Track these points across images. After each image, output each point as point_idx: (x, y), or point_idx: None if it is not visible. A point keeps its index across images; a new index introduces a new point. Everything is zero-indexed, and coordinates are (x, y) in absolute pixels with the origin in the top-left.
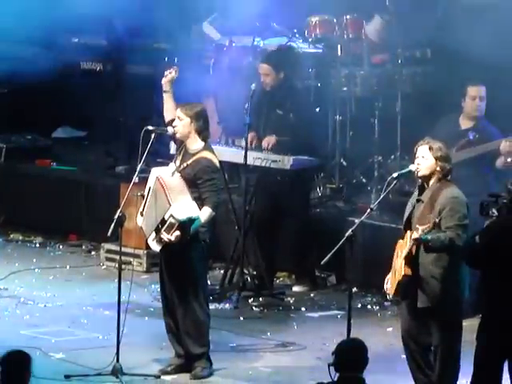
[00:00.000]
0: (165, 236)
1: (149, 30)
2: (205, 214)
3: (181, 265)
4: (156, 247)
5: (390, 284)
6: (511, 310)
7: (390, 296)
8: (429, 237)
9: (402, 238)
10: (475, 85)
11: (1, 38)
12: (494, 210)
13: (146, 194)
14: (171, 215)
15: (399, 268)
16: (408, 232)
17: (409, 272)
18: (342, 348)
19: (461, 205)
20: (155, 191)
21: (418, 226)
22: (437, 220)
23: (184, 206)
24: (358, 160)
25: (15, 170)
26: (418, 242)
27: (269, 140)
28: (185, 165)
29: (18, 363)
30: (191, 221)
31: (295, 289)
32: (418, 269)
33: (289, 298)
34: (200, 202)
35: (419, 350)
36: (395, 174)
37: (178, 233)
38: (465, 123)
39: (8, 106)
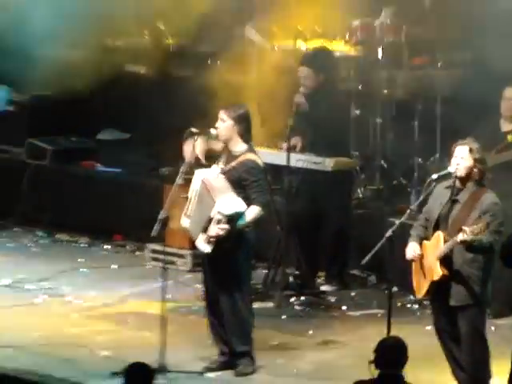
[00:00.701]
0: (213, 230)
1: (192, 32)
2: (253, 212)
3: (226, 264)
4: (206, 248)
5: (418, 284)
6: None
7: (420, 297)
8: (475, 238)
9: (427, 239)
10: (511, 86)
11: (46, 42)
12: None
13: (190, 195)
14: (218, 211)
15: (435, 268)
16: (438, 232)
17: (446, 272)
18: (383, 346)
19: (500, 212)
20: (201, 193)
21: (464, 227)
22: (487, 223)
23: (229, 202)
24: (398, 162)
25: (61, 171)
26: (467, 243)
27: (296, 141)
28: (229, 167)
29: (141, 376)
30: (238, 215)
31: (323, 288)
32: (451, 269)
33: (330, 297)
34: (247, 202)
35: (456, 347)
36: (435, 176)
37: (225, 226)
38: (505, 126)
39: (53, 109)
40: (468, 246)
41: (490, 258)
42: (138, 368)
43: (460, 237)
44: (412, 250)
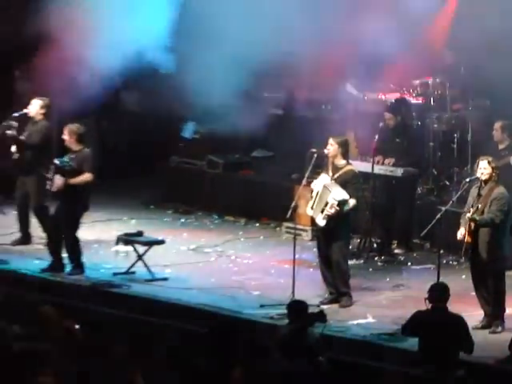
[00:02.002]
0: (328, 211)
1: (314, 85)
2: (352, 202)
3: (334, 234)
4: (322, 223)
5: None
6: None
7: (463, 257)
8: (477, 217)
9: None
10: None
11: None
12: None
13: (313, 194)
14: (332, 197)
15: (466, 237)
16: (467, 215)
17: (470, 240)
18: (434, 288)
19: (503, 198)
20: (321, 193)
21: (469, 210)
22: (479, 207)
23: (339, 193)
24: (443, 170)
25: (229, 177)
26: (471, 221)
27: (389, 160)
28: (337, 175)
29: (299, 309)
30: (344, 201)
31: (395, 251)
32: (477, 237)
33: (400, 257)
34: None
35: (483, 289)
36: (467, 179)
37: (337, 208)
38: (500, 146)
39: (224, 138)
40: (474, 222)
41: (499, 228)
42: (296, 303)
43: (468, 215)
44: (460, 233)
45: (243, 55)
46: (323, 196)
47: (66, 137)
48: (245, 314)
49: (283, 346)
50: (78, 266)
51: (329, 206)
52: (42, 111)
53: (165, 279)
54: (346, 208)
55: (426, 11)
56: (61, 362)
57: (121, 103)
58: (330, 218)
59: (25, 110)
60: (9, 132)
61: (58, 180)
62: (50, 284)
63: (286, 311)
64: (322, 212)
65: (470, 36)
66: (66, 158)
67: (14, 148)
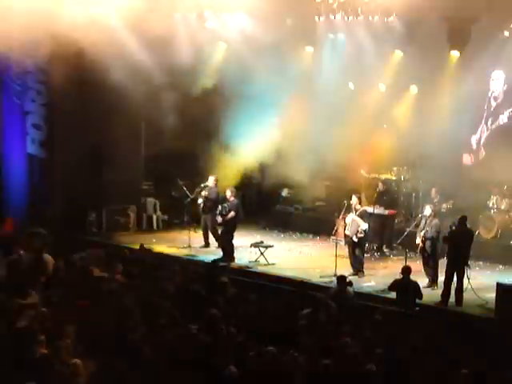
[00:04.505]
0: (359, 234)
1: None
2: (365, 226)
3: (358, 243)
4: (355, 239)
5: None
6: None
7: (418, 253)
8: (425, 234)
9: None
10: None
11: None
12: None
13: (347, 222)
14: (361, 228)
15: (420, 243)
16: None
17: (422, 245)
18: (404, 267)
19: (437, 225)
20: (351, 222)
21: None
22: (427, 228)
23: (363, 223)
24: (409, 211)
25: (305, 216)
26: (422, 236)
27: (376, 205)
28: (357, 213)
29: (342, 278)
30: (365, 228)
31: (385, 250)
32: (425, 243)
33: (387, 253)
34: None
35: (426, 266)
36: (419, 215)
37: (363, 230)
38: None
39: None
40: (424, 236)
41: (436, 239)
42: (340, 276)
43: (421, 233)
44: (417, 241)
45: None
46: (354, 225)
47: (228, 193)
48: (313, 281)
49: (334, 298)
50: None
51: (360, 231)
52: (215, 182)
53: (273, 264)
54: (366, 228)
55: None
56: None
57: None
58: (358, 236)
59: (206, 183)
60: (202, 193)
61: (219, 218)
62: (220, 267)
63: (334, 280)
64: (356, 232)
65: None
66: (224, 205)
67: (200, 201)
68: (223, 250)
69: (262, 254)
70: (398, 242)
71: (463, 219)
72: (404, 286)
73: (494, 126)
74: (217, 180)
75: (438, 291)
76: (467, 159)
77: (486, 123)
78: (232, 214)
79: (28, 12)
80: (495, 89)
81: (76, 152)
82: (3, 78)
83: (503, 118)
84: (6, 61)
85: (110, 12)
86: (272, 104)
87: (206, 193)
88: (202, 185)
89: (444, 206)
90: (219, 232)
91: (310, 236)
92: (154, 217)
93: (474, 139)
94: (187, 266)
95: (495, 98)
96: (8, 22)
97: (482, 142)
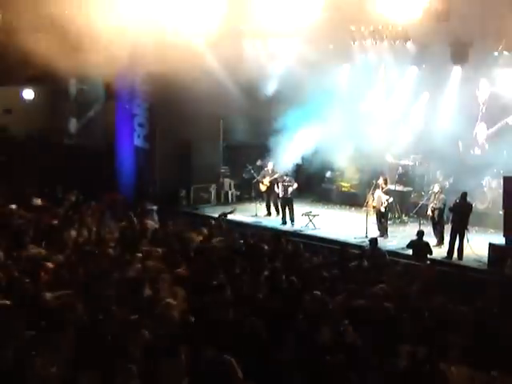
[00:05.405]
0: (385, 204)
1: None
2: (391, 199)
3: (384, 212)
4: (382, 209)
5: None
6: None
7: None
8: (435, 206)
9: None
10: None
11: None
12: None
13: (375, 197)
14: (386, 199)
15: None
16: None
17: (431, 214)
18: (418, 231)
19: (443, 199)
20: (378, 196)
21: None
22: (435, 202)
23: (389, 197)
24: (422, 187)
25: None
26: (433, 207)
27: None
28: (383, 190)
29: (374, 240)
30: (390, 200)
31: (404, 218)
32: (434, 213)
33: (406, 221)
34: None
35: (436, 231)
36: (429, 191)
37: (389, 202)
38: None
39: None
40: (434, 208)
41: (443, 210)
42: (372, 238)
43: (432, 205)
44: (429, 211)
45: None
46: (380, 198)
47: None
48: (349, 241)
49: (370, 256)
50: (285, 222)
51: (384, 203)
52: (273, 167)
53: (319, 228)
54: (390, 201)
55: None
56: None
57: None
58: (383, 207)
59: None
60: (264, 180)
61: (281, 191)
62: (278, 230)
63: (366, 240)
64: (382, 204)
65: None
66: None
67: (266, 180)
68: (283, 216)
69: (310, 220)
70: (414, 211)
71: (464, 194)
72: (418, 245)
73: (487, 125)
74: (274, 165)
75: (444, 249)
76: (465, 149)
77: (480, 122)
78: (295, 185)
79: (138, 35)
80: (485, 96)
81: (171, 144)
82: (118, 90)
83: (493, 118)
84: (121, 77)
85: (196, 36)
86: (318, 108)
87: (268, 177)
88: (265, 169)
89: (446, 182)
90: (278, 204)
91: (347, 208)
92: (230, 193)
93: (471, 133)
94: (255, 229)
95: (484, 103)
96: (122, 46)
97: (477, 136)
